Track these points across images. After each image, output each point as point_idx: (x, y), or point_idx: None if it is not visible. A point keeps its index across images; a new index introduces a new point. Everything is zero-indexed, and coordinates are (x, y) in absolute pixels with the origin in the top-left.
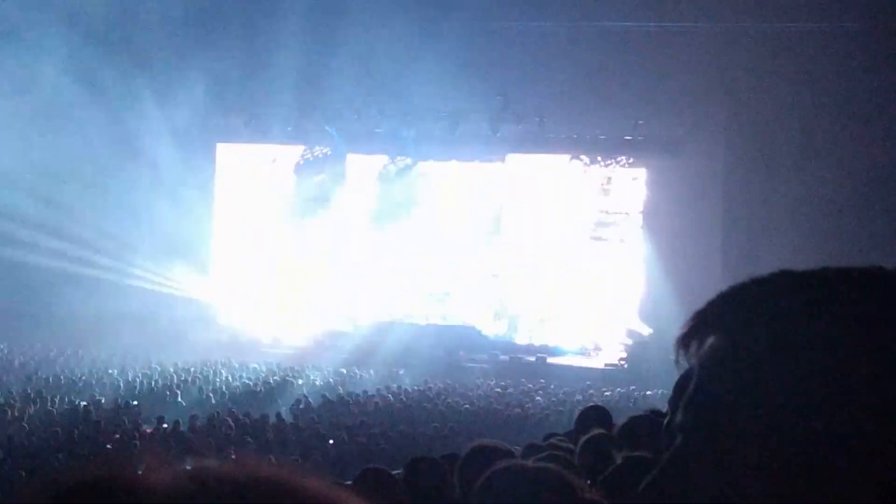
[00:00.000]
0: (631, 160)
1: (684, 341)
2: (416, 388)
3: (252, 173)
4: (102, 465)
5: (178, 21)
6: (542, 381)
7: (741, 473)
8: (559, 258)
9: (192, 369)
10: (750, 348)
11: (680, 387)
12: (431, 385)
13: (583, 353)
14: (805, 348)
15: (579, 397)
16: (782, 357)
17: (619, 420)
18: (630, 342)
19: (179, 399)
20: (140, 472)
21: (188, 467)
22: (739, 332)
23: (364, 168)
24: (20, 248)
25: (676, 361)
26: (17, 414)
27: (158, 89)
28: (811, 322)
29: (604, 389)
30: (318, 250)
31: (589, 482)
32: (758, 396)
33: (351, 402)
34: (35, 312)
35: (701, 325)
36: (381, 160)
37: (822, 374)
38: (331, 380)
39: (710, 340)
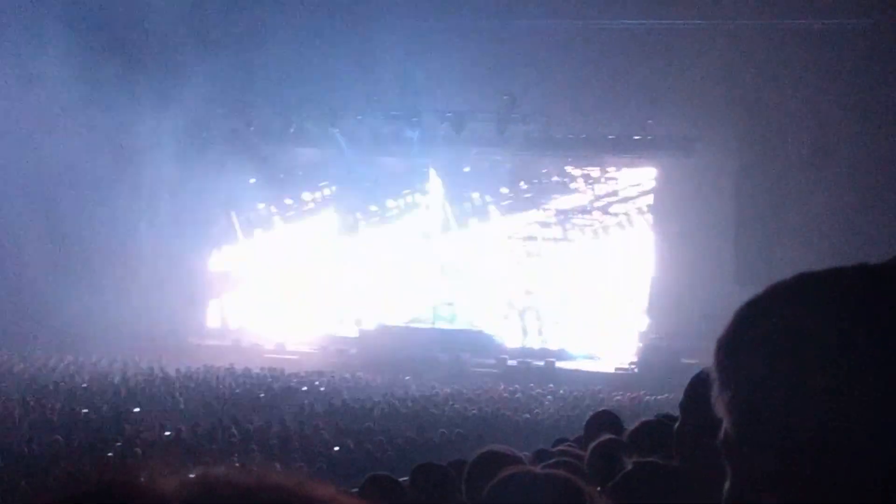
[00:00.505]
0: (641, 160)
1: (719, 356)
2: (422, 393)
3: (256, 176)
4: (108, 472)
5: (178, 22)
6: (551, 385)
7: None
8: (568, 260)
9: (195, 376)
10: (787, 357)
11: (690, 392)
12: (438, 390)
13: (592, 357)
14: (838, 353)
15: (589, 402)
16: (821, 365)
17: (630, 425)
18: (640, 346)
19: (182, 406)
20: (146, 480)
21: (194, 474)
22: (773, 343)
23: (369, 169)
24: (20, 254)
25: (721, 374)
26: (16, 422)
27: (159, 92)
28: (840, 326)
29: (614, 394)
30: (322, 254)
31: (599, 488)
32: (802, 406)
33: (356, 408)
34: (35, 318)
35: (733, 337)
36: (386, 161)
37: (865, 379)
38: (336, 386)
39: (746, 353)
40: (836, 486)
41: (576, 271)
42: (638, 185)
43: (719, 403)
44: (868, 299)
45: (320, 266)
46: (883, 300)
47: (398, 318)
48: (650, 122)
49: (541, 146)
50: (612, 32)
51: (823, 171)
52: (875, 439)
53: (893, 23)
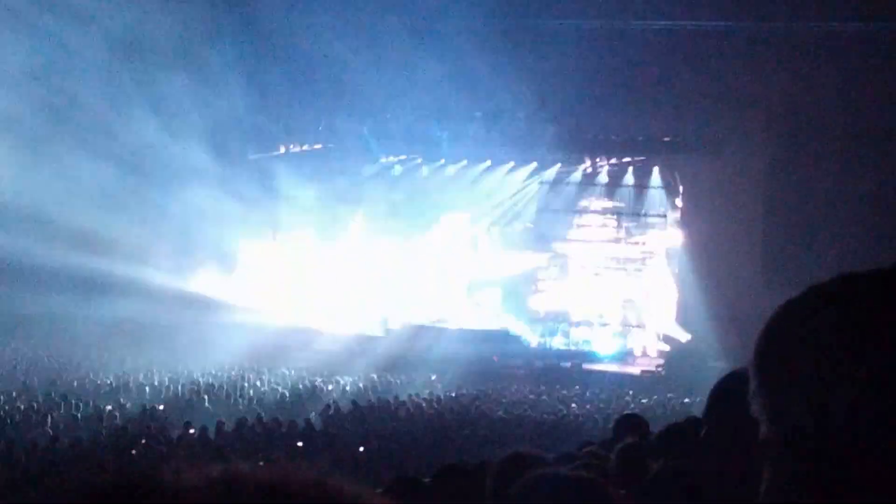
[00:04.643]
0: (669, 161)
1: (756, 356)
2: (448, 394)
3: (284, 176)
4: (133, 468)
5: (203, 21)
6: (577, 387)
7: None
8: (595, 262)
9: (220, 374)
10: (827, 360)
11: (717, 395)
12: (465, 391)
13: (619, 359)
14: (880, 357)
15: (615, 405)
16: (861, 370)
17: (656, 428)
18: (667, 348)
19: (207, 404)
20: (169, 475)
21: (217, 470)
22: (812, 344)
23: (398, 170)
24: (48, 256)
25: (758, 375)
26: (40, 419)
27: (188, 93)
28: (882, 329)
29: (640, 397)
30: (349, 253)
31: (624, 491)
32: (840, 411)
33: (381, 408)
34: (62, 318)
35: (771, 338)
36: (414, 161)
37: None
38: (361, 385)
39: (784, 354)
40: (874, 494)
41: (604, 273)
42: (666, 186)
43: (756, 404)
44: None
45: (347, 265)
46: None
47: (425, 317)
48: (679, 123)
49: (570, 147)
50: (641, 34)
51: (852, 173)
52: None
53: None
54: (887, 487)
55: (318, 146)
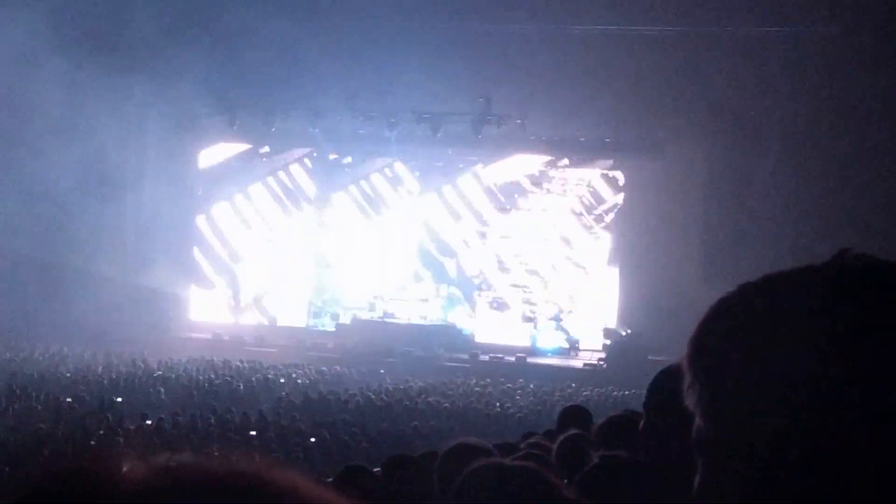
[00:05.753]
0: (611, 162)
1: (690, 351)
2: (396, 386)
3: (236, 173)
4: (81, 458)
5: (159, 22)
6: (521, 380)
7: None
8: (539, 259)
9: (177, 368)
10: (754, 355)
11: (654, 388)
12: (412, 384)
13: (562, 353)
14: (804, 353)
15: (558, 397)
16: (785, 365)
17: (598, 420)
18: (609, 342)
19: (163, 397)
20: (116, 465)
21: (161, 460)
22: (741, 341)
23: (346, 167)
24: (8, 252)
25: (691, 369)
26: (1, 410)
27: (141, 90)
28: (806, 326)
29: (582, 389)
30: (301, 248)
31: (566, 481)
32: (767, 406)
33: (332, 400)
34: (19, 311)
35: (703, 333)
36: (363, 160)
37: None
38: (312, 378)
39: (715, 349)
40: (801, 482)
41: (547, 269)
42: (608, 187)
43: (690, 398)
44: (835, 298)
45: (299, 261)
46: (849, 299)
47: (373, 312)
48: (621, 124)
49: (515, 147)
50: (585, 37)
51: (790, 174)
52: (838, 443)
53: (861, 29)
54: (818, 480)
55: (268, 147)
